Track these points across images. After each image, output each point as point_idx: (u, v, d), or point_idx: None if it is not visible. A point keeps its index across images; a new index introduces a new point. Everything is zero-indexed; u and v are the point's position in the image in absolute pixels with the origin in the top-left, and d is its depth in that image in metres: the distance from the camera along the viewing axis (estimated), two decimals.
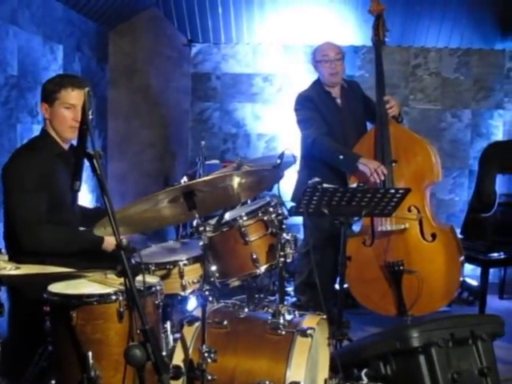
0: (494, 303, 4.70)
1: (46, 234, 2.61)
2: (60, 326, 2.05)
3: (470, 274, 4.95)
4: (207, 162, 4.93)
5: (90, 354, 1.97)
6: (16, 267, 2.11)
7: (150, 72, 5.80)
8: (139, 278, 1.97)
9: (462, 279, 4.30)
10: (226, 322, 2.39)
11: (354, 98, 4.15)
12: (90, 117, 1.80)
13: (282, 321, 2.34)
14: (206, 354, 2.20)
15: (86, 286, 2.17)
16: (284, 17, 5.45)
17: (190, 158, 5.54)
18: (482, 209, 4.16)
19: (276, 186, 2.68)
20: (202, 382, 2.21)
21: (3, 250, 2.35)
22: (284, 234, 2.48)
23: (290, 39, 5.52)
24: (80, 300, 2.03)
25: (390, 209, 3.18)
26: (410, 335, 2.53)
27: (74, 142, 2.63)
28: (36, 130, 4.05)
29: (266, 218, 2.55)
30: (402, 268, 3.78)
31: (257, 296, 4.10)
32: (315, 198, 3.02)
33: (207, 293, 2.26)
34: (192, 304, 2.88)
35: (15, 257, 2.30)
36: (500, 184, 3.99)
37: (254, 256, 2.52)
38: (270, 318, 2.39)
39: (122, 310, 2.03)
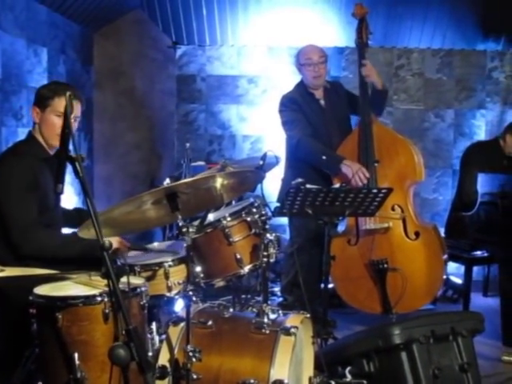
0: (478, 301, 4.75)
1: (45, 237, 2.62)
2: (46, 328, 2.07)
3: (455, 272, 5.01)
4: (193, 164, 4.94)
5: (76, 355, 1.99)
6: (0, 269, 2.13)
7: (135, 74, 5.81)
8: (124, 279, 2.00)
9: (445, 277, 4.37)
10: (210, 322, 2.42)
11: (337, 99, 4.19)
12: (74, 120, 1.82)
13: (266, 320, 2.37)
14: (191, 354, 2.23)
15: (72, 287, 2.18)
16: (268, 19, 5.49)
17: (176, 159, 5.55)
18: (464, 208, 4.22)
19: (259, 187, 2.71)
20: (187, 382, 2.23)
21: None
22: (267, 235, 2.50)
23: (274, 41, 5.55)
24: (65, 302, 2.04)
25: (373, 208, 3.22)
26: (391, 333, 2.57)
27: None
28: (21, 133, 4.06)
29: (249, 219, 2.57)
30: (386, 266, 3.83)
31: (243, 296, 4.12)
32: (298, 198, 3.06)
33: (191, 293, 2.28)
34: (179, 305, 2.91)
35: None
36: (483, 183, 4.04)
37: (238, 256, 2.55)
38: (254, 317, 2.43)
39: (107, 311, 2.04)
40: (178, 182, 2.29)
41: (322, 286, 3.28)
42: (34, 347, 2.18)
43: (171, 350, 2.37)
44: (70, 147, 1.86)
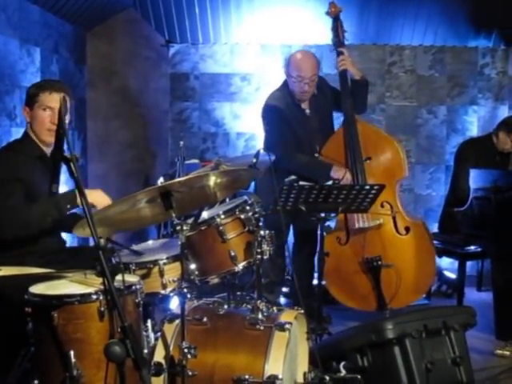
0: (471, 295, 4.79)
1: (26, 213, 2.58)
2: (42, 327, 2.08)
3: (449, 267, 5.05)
4: (187, 162, 4.95)
5: (72, 353, 2.00)
6: None
7: (128, 73, 5.81)
8: (119, 277, 2.02)
9: (439, 272, 4.41)
10: (205, 319, 2.45)
11: (323, 102, 4.10)
12: (67, 120, 1.84)
13: (260, 316, 2.40)
14: (186, 351, 2.25)
15: (67, 286, 2.20)
16: (261, 16, 5.49)
17: (170, 157, 5.56)
18: (457, 203, 4.25)
19: (253, 185, 2.73)
20: (183, 378, 2.26)
21: None
22: (261, 232, 2.53)
23: (267, 39, 5.56)
24: (61, 300, 2.06)
25: (366, 204, 3.25)
26: (384, 327, 2.60)
27: None
28: (15, 133, 4.06)
29: (242, 217, 2.59)
30: (380, 263, 3.86)
31: (239, 293, 4.14)
32: (292, 195, 3.08)
33: (186, 290, 2.30)
34: (174, 302, 2.92)
35: None
36: (476, 178, 4.06)
37: (232, 253, 2.57)
38: (248, 313, 2.45)
39: (102, 309, 2.05)
40: (172, 181, 2.31)
41: (317, 282, 3.31)
42: (30, 346, 2.19)
43: (166, 346, 2.40)
44: (65, 147, 1.88)
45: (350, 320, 4.06)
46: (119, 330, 1.79)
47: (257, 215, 2.61)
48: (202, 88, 5.64)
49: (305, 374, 2.59)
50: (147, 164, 5.93)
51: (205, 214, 2.76)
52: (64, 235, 3.01)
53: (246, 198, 2.71)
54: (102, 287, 2.02)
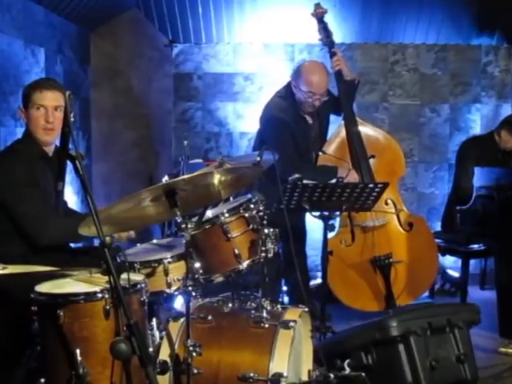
0: (475, 294, 4.80)
1: (58, 225, 2.65)
2: (47, 325, 2.08)
3: (452, 265, 5.05)
4: (190, 162, 4.96)
5: (78, 351, 2.00)
6: (3, 267, 2.15)
7: (131, 73, 5.82)
8: (124, 275, 2.03)
9: (442, 270, 4.43)
10: (210, 317, 2.46)
11: (322, 108, 4.05)
12: (72, 119, 1.84)
13: (264, 314, 2.41)
14: (191, 348, 2.26)
15: (73, 285, 2.20)
16: (263, 16, 5.50)
17: (174, 157, 5.57)
18: (460, 202, 4.26)
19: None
20: (188, 376, 2.26)
21: None
22: (265, 230, 2.54)
23: (270, 38, 5.56)
24: (66, 299, 2.06)
25: (369, 203, 3.26)
26: (388, 325, 2.61)
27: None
28: (19, 133, 4.04)
29: (247, 215, 2.60)
30: (390, 260, 3.89)
31: (243, 292, 4.15)
32: (296, 194, 3.09)
33: (190, 289, 2.31)
34: (179, 301, 2.93)
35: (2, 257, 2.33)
36: (479, 177, 4.07)
37: (237, 252, 2.57)
38: (253, 311, 2.46)
39: (108, 307, 2.05)
40: (177, 179, 2.31)
41: (321, 281, 3.32)
42: (36, 345, 2.20)
43: (172, 345, 2.41)
44: (70, 146, 1.89)
45: (353, 318, 4.06)
46: (125, 328, 1.80)
47: (261, 213, 2.61)
48: (205, 88, 5.65)
49: (309, 371, 2.59)
50: (151, 164, 5.94)
51: (209, 213, 2.77)
52: None
53: (249, 196, 2.71)
54: (107, 286, 2.03)
